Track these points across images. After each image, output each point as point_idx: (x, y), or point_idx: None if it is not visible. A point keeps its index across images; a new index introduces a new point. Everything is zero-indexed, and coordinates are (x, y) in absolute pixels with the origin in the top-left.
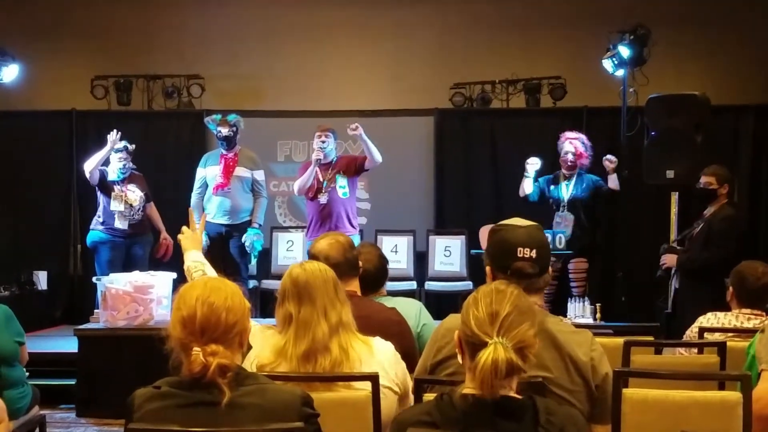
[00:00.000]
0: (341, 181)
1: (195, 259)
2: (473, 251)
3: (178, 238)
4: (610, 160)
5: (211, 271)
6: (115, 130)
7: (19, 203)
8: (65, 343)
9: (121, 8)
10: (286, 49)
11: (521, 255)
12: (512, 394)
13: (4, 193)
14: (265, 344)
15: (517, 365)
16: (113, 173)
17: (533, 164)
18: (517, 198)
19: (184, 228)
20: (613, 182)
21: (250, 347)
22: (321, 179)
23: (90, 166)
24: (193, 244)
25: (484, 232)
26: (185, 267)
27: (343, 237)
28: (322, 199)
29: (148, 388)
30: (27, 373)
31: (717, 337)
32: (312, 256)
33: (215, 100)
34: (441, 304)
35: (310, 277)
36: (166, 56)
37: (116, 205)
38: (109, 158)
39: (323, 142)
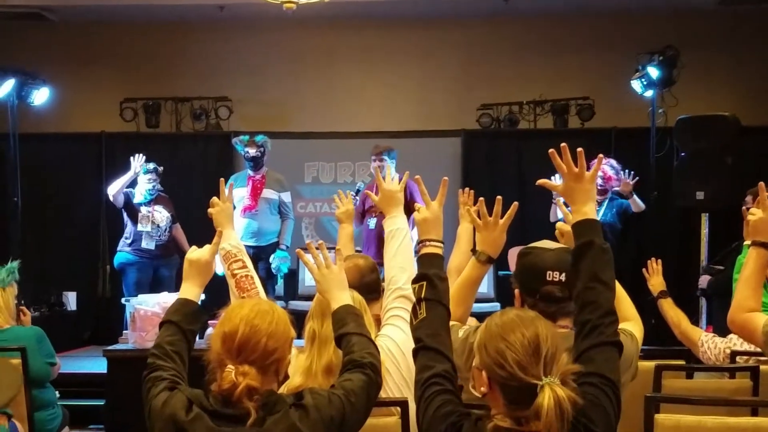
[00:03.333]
0: None
1: (233, 244)
2: (501, 272)
3: (209, 213)
4: (626, 184)
5: (250, 265)
6: (139, 155)
7: (49, 224)
8: (94, 364)
9: (149, 32)
10: (313, 72)
11: (550, 279)
12: None
13: (35, 214)
14: (293, 370)
15: (576, 400)
16: (140, 195)
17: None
18: (545, 219)
19: (214, 200)
20: (634, 205)
21: (287, 377)
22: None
23: (113, 190)
24: (227, 218)
25: (512, 254)
26: (221, 249)
27: (364, 260)
28: (371, 223)
29: (183, 400)
30: (58, 395)
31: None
32: None
33: (243, 122)
34: None
35: None
36: (194, 79)
37: (143, 226)
38: (137, 179)
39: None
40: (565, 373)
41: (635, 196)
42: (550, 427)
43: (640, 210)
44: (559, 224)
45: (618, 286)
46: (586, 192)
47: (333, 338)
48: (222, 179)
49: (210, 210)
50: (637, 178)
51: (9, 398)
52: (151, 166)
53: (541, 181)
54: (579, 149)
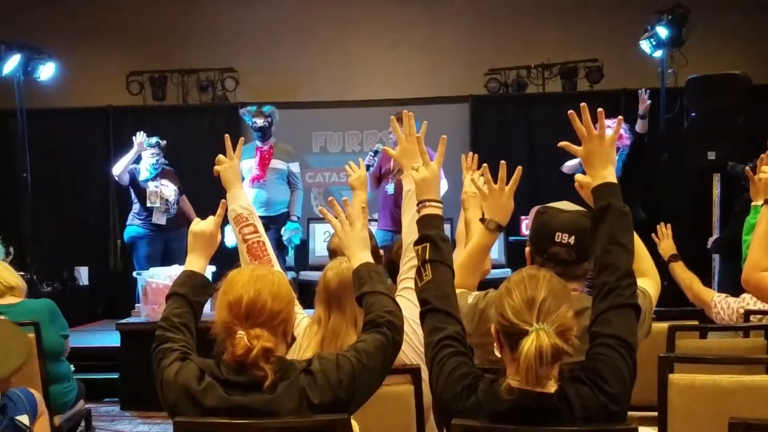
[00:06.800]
0: None
1: (244, 206)
2: (511, 238)
3: (216, 170)
4: (644, 100)
5: (262, 230)
6: (140, 132)
7: (59, 200)
8: (107, 338)
9: (154, 4)
10: (320, 40)
11: (558, 240)
12: (552, 383)
13: (44, 190)
14: (306, 343)
15: (562, 349)
16: (145, 171)
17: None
18: (555, 183)
19: (221, 157)
20: (642, 126)
21: (294, 339)
22: (391, 167)
23: (118, 169)
24: (235, 176)
25: (533, 214)
26: (231, 211)
27: None
28: (389, 189)
29: (195, 370)
30: (73, 368)
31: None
32: (331, 251)
33: (249, 93)
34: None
35: (341, 284)
36: (200, 51)
37: (152, 202)
38: (141, 155)
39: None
40: (563, 327)
41: (646, 120)
42: (528, 371)
43: (644, 131)
44: (578, 176)
45: (637, 241)
46: (606, 155)
47: (342, 333)
48: (227, 135)
49: (216, 167)
50: (650, 101)
51: (18, 365)
52: (154, 140)
53: (562, 144)
54: (599, 109)
